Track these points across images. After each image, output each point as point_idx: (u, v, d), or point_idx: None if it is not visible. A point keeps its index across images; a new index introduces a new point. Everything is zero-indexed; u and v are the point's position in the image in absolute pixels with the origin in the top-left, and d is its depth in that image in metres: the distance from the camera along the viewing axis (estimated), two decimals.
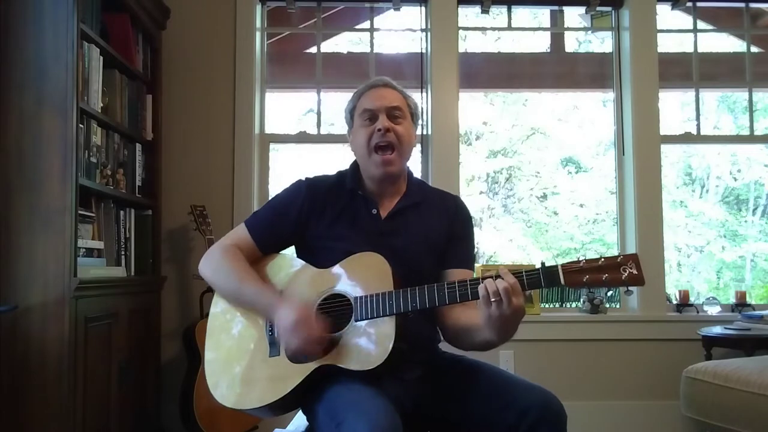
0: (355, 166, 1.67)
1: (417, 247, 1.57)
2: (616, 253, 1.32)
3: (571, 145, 6.13)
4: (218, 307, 1.60)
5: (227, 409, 1.48)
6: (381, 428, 1.19)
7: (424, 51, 3.37)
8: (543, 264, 1.31)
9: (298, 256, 1.63)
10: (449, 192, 1.75)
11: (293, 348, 1.39)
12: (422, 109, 3.33)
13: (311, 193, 1.61)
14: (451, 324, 1.52)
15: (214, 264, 1.58)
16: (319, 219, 1.59)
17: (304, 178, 1.67)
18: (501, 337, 1.35)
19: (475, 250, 1.71)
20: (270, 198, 1.73)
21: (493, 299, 1.26)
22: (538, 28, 4.02)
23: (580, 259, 1.30)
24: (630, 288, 1.29)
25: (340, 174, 1.68)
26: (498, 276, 1.29)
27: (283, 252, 1.64)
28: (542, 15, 3.88)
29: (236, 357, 1.50)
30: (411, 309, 1.37)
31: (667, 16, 3.54)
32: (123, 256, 2.67)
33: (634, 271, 1.26)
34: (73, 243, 2.15)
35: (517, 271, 1.31)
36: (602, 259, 1.29)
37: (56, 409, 2.10)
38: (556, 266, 1.30)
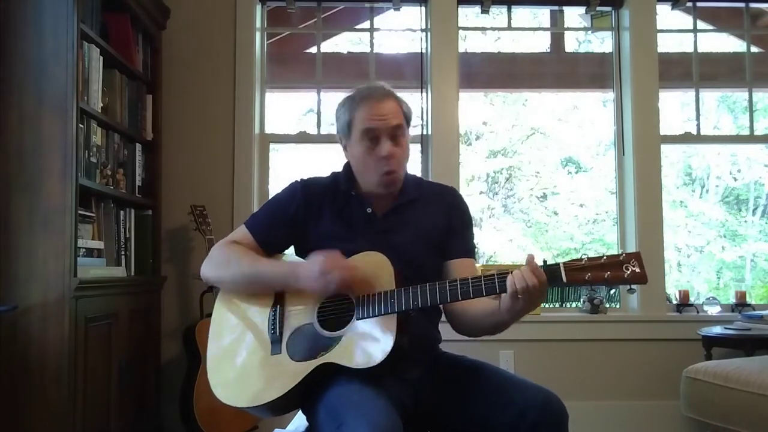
0: (348, 168, 1.66)
1: (417, 242, 1.57)
2: (619, 251, 1.32)
3: (571, 145, 6.13)
4: (219, 308, 1.60)
5: (227, 408, 1.48)
6: (381, 429, 1.19)
7: (424, 51, 3.37)
8: (545, 262, 1.32)
9: (297, 256, 1.63)
10: (445, 185, 1.75)
11: (338, 280, 1.39)
12: (422, 109, 3.33)
13: (307, 193, 1.61)
14: (459, 312, 1.52)
15: (220, 259, 1.58)
16: (317, 220, 1.59)
17: (299, 180, 1.66)
18: (515, 319, 1.37)
19: (475, 240, 1.71)
20: (268, 199, 1.73)
21: (520, 295, 1.28)
22: (538, 28, 4.02)
23: (583, 257, 1.30)
24: (633, 287, 1.29)
25: (334, 175, 1.67)
26: (521, 268, 1.29)
27: (284, 253, 1.64)
28: (542, 15, 3.88)
29: (238, 355, 1.51)
30: (413, 307, 1.37)
31: (667, 16, 3.54)
32: (123, 256, 2.67)
33: (637, 269, 1.26)
34: (73, 243, 2.15)
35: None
36: (605, 257, 1.29)
37: (56, 409, 2.10)
38: (558, 264, 1.30)
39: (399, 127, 1.57)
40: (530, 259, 1.31)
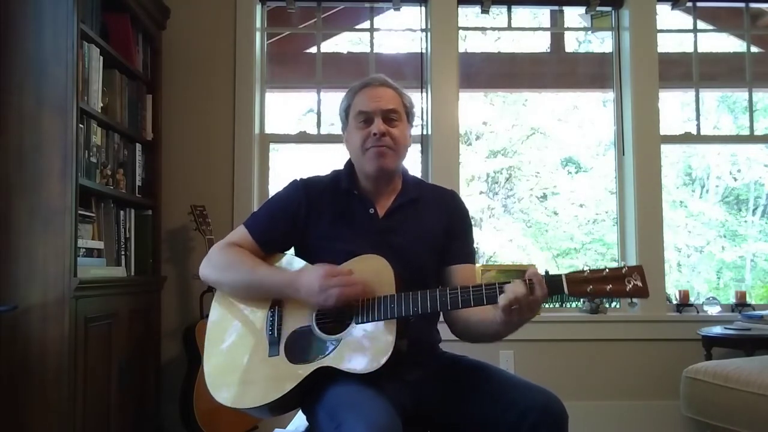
0: (349, 165, 1.66)
1: (416, 244, 1.57)
2: (621, 264, 1.31)
3: (571, 145, 6.13)
4: (218, 307, 1.59)
5: (227, 409, 1.48)
6: (380, 429, 1.19)
7: (424, 51, 3.37)
8: (547, 272, 1.31)
9: (297, 256, 1.62)
10: (446, 187, 1.74)
11: (336, 296, 1.38)
12: (422, 109, 3.33)
13: (308, 192, 1.61)
14: (462, 319, 1.52)
15: (219, 261, 1.57)
16: (317, 219, 1.59)
17: (299, 179, 1.66)
18: (510, 332, 1.38)
19: (475, 243, 1.70)
20: (268, 198, 1.73)
21: (514, 307, 1.28)
22: (538, 28, 4.02)
23: (585, 269, 1.30)
24: (634, 300, 1.29)
25: (336, 174, 1.67)
26: (522, 279, 1.29)
27: (284, 253, 1.63)
28: (542, 15, 3.88)
29: (236, 357, 1.50)
30: (412, 313, 1.37)
31: (667, 16, 3.54)
32: (123, 256, 2.67)
33: (639, 283, 1.26)
34: (73, 243, 2.15)
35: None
36: (607, 270, 1.29)
37: (56, 409, 2.10)
38: (560, 276, 1.30)
39: (393, 111, 1.58)
40: (532, 272, 1.30)
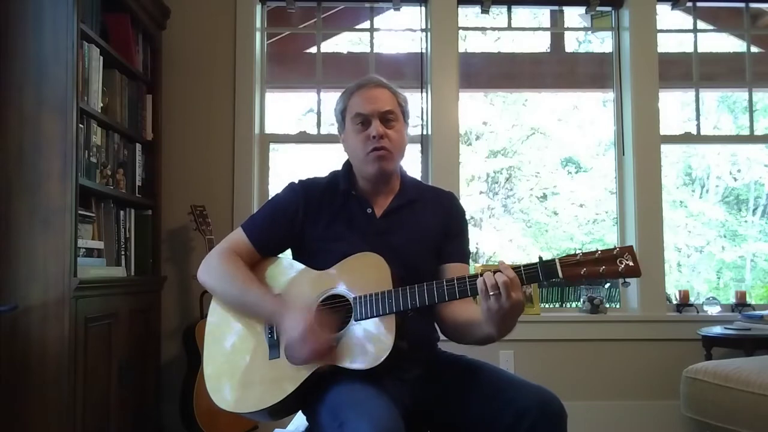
0: (347, 166, 1.67)
1: (414, 244, 1.57)
2: (612, 246, 1.33)
3: (571, 145, 6.14)
4: (216, 310, 1.59)
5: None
6: (383, 428, 1.19)
7: (424, 51, 3.37)
8: (541, 258, 1.32)
9: (294, 259, 1.62)
10: (443, 189, 1.75)
11: (302, 357, 1.39)
12: (422, 109, 3.33)
13: (306, 194, 1.61)
14: (450, 319, 1.52)
15: (214, 271, 1.57)
16: (315, 221, 1.59)
17: (297, 181, 1.66)
18: (500, 331, 1.34)
19: (470, 245, 1.71)
20: (266, 201, 1.72)
21: (491, 293, 1.27)
22: (538, 28, 4.02)
23: (577, 252, 1.31)
24: (627, 280, 1.30)
25: (333, 175, 1.67)
26: (497, 270, 1.29)
27: (281, 255, 1.64)
28: (542, 15, 3.89)
29: (236, 360, 1.50)
30: (410, 307, 1.37)
31: (667, 16, 3.54)
32: (123, 256, 2.67)
33: (630, 263, 1.27)
34: (73, 243, 2.15)
35: (515, 266, 1.31)
36: (599, 252, 1.30)
37: (56, 409, 2.10)
38: (554, 260, 1.30)
39: (390, 112, 1.59)
40: (501, 262, 1.32)
